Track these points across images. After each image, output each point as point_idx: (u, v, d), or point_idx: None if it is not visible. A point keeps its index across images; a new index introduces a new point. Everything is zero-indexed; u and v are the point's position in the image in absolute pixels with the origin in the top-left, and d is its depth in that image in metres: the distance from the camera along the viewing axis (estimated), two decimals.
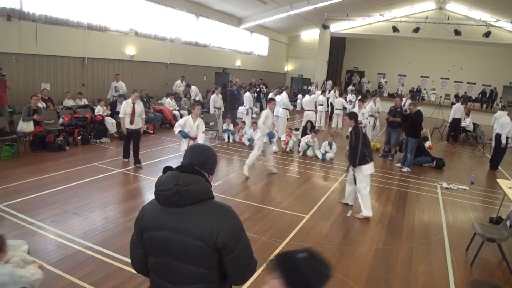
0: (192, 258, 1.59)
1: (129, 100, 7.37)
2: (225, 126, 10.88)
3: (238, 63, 19.99)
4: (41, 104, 8.88)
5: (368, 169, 5.59)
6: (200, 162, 1.74)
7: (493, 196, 7.48)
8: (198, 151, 1.78)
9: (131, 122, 7.29)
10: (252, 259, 1.72)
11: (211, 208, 1.63)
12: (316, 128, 13.47)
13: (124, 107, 7.30)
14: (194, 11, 15.62)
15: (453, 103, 15.91)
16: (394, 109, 9.74)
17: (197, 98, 14.63)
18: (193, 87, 14.64)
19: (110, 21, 11.75)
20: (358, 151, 5.51)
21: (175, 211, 1.60)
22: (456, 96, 22.91)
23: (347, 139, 12.39)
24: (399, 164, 9.22)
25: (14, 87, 8.95)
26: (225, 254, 1.60)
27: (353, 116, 5.81)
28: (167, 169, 1.70)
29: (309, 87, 20.52)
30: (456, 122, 13.70)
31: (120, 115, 7.42)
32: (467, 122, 14.00)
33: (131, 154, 7.61)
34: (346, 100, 15.45)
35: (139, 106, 7.42)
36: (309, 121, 10.85)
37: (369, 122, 11.04)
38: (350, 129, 5.92)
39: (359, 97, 12.98)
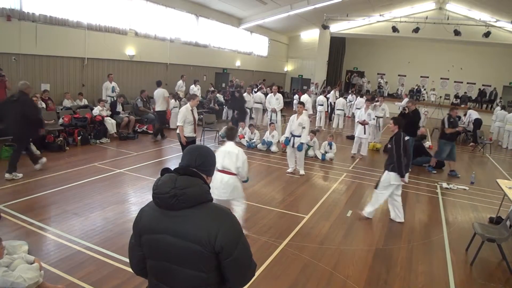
0: (190, 262, 1.58)
1: (188, 106, 6.68)
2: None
3: (238, 63, 19.99)
4: (41, 104, 8.89)
5: (395, 178, 5.39)
6: (199, 163, 1.72)
7: (493, 196, 7.48)
8: (196, 153, 1.76)
9: (195, 131, 6.80)
10: (251, 262, 1.70)
11: (209, 211, 1.62)
12: (316, 128, 13.50)
13: (184, 114, 6.53)
14: (194, 11, 15.62)
15: (469, 106, 15.89)
16: (453, 120, 8.83)
17: None
18: (193, 87, 14.54)
19: (110, 21, 11.75)
20: (400, 157, 5.25)
21: (172, 214, 1.59)
22: (456, 96, 22.97)
23: (347, 139, 12.54)
24: None
25: (14, 88, 8.93)
26: (224, 257, 1.58)
27: (398, 121, 5.56)
28: (165, 171, 1.68)
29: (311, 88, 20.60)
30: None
31: (178, 124, 6.64)
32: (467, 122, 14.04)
33: None
34: (346, 100, 15.44)
35: (195, 112, 6.89)
36: None
37: (375, 123, 11.05)
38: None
39: (366, 98, 12.88)
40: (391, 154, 5.41)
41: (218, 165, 4.53)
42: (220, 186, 4.46)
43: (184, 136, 6.62)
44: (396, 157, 5.29)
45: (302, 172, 7.87)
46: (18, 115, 6.21)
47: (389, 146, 5.58)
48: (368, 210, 5.66)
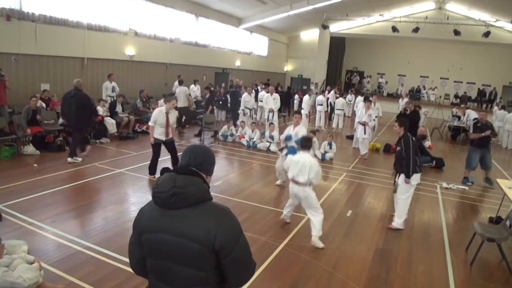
0: (190, 261, 1.58)
1: (163, 109, 6.55)
2: (224, 129, 10.98)
3: (237, 63, 19.99)
4: (40, 105, 8.89)
5: (415, 178, 5.30)
6: (198, 162, 1.72)
7: (493, 196, 7.48)
8: (195, 152, 1.76)
9: (167, 135, 6.58)
10: (251, 261, 1.70)
11: (208, 210, 1.62)
12: (316, 128, 13.51)
13: (156, 116, 6.46)
14: (194, 11, 15.62)
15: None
16: (481, 125, 7.96)
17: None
18: (193, 87, 14.49)
19: (110, 21, 11.75)
20: (410, 160, 5.16)
21: (172, 213, 1.59)
22: (456, 96, 22.98)
23: (347, 139, 12.53)
24: None
25: (13, 88, 8.94)
26: (223, 256, 1.58)
27: (403, 123, 5.46)
28: (165, 170, 1.69)
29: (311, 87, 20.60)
30: None
31: (150, 124, 6.58)
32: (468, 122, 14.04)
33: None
34: (346, 100, 15.44)
35: (173, 116, 6.66)
36: None
37: (375, 124, 11.03)
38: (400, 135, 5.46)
39: (363, 98, 12.85)
40: (401, 156, 5.28)
41: (289, 174, 4.65)
42: (296, 197, 4.69)
43: (153, 137, 6.50)
44: (407, 159, 5.19)
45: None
46: (74, 108, 7.28)
47: (398, 148, 5.42)
48: (398, 221, 5.39)
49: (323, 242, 4.65)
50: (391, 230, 5.36)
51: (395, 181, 5.55)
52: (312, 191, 4.64)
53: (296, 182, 4.60)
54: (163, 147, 6.76)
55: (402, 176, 5.32)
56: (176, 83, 14.23)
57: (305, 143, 4.71)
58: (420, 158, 5.41)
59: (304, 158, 4.54)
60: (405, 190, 5.35)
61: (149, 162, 6.88)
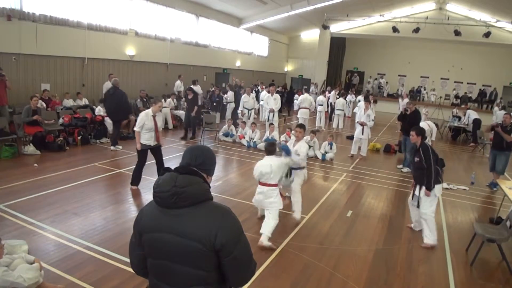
0: (190, 260, 1.58)
1: (149, 111, 6.02)
2: (224, 129, 10.98)
3: (238, 63, 20.00)
4: (41, 105, 8.90)
5: (439, 189, 4.97)
6: (198, 162, 1.73)
7: (493, 196, 7.48)
8: (196, 152, 1.77)
9: (157, 139, 6.13)
10: (252, 260, 1.71)
11: (209, 209, 1.62)
12: (316, 128, 13.51)
13: (143, 120, 5.92)
14: (194, 11, 15.63)
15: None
16: (504, 127, 7.39)
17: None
18: (193, 87, 14.46)
19: (110, 21, 11.76)
20: (432, 171, 4.81)
21: (173, 212, 1.59)
22: (456, 97, 22.97)
23: (347, 139, 12.53)
24: (400, 166, 9.18)
25: (14, 88, 8.95)
26: (224, 256, 1.58)
27: (421, 132, 5.08)
28: (165, 170, 1.69)
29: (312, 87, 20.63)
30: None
31: (135, 129, 6.04)
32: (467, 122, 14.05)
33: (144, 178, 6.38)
34: (346, 100, 15.43)
35: (160, 119, 6.21)
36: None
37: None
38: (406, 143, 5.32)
39: (364, 98, 12.82)
40: (420, 167, 4.95)
41: (254, 175, 4.82)
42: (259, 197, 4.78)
43: (140, 143, 6.01)
44: (428, 170, 4.87)
45: (298, 215, 5.40)
46: (113, 104, 8.52)
47: (416, 159, 5.05)
48: (432, 238, 4.94)
49: (320, 241, 4.62)
50: (391, 230, 5.36)
51: (413, 194, 5.14)
52: (272, 193, 4.69)
53: (260, 183, 4.75)
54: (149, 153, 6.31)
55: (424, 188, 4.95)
56: (178, 82, 14.28)
57: (268, 148, 4.87)
58: (439, 168, 5.07)
59: (265, 161, 4.70)
60: (431, 203, 4.95)
61: (149, 162, 6.63)
